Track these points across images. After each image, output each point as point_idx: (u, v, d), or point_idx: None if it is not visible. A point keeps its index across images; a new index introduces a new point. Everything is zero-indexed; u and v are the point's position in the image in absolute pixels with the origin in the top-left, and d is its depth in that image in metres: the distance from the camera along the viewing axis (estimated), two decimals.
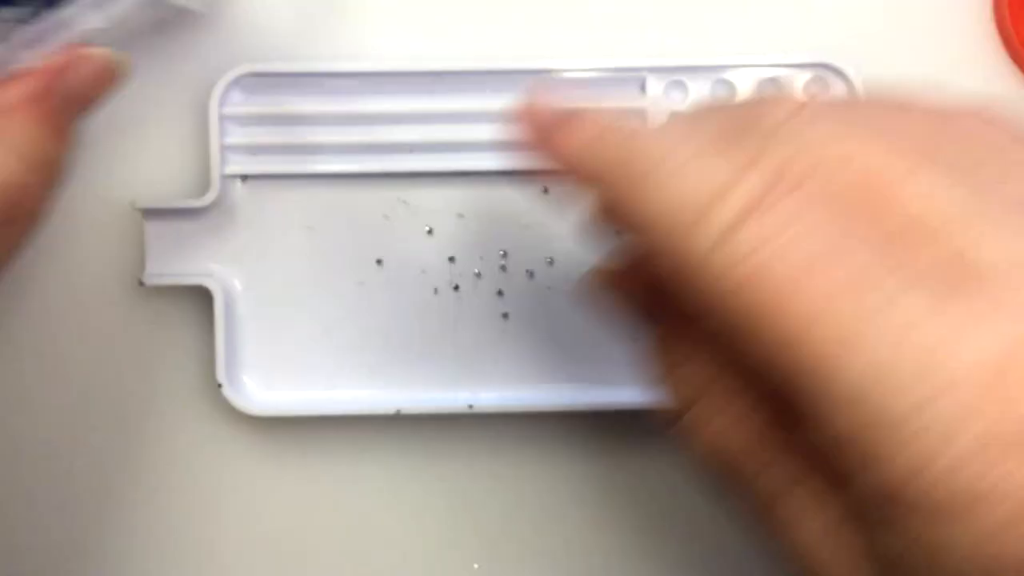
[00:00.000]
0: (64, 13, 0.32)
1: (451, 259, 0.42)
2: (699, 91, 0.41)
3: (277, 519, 0.43)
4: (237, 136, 0.41)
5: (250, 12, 0.42)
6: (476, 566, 0.43)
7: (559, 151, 0.29)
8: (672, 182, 0.25)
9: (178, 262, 0.41)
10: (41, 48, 0.32)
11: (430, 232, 0.42)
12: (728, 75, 0.41)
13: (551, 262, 0.42)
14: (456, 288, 0.42)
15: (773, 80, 0.41)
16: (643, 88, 0.41)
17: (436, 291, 0.42)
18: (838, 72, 0.41)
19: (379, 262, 0.42)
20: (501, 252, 0.42)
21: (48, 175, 0.32)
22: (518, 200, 0.42)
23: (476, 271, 0.42)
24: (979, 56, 0.42)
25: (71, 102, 0.32)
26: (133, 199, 0.41)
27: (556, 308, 0.42)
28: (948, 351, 0.21)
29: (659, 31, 0.42)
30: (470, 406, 0.41)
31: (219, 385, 0.41)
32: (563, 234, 0.42)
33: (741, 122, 0.25)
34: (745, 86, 0.41)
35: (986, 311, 0.21)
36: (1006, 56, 0.42)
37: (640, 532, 0.43)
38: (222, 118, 0.41)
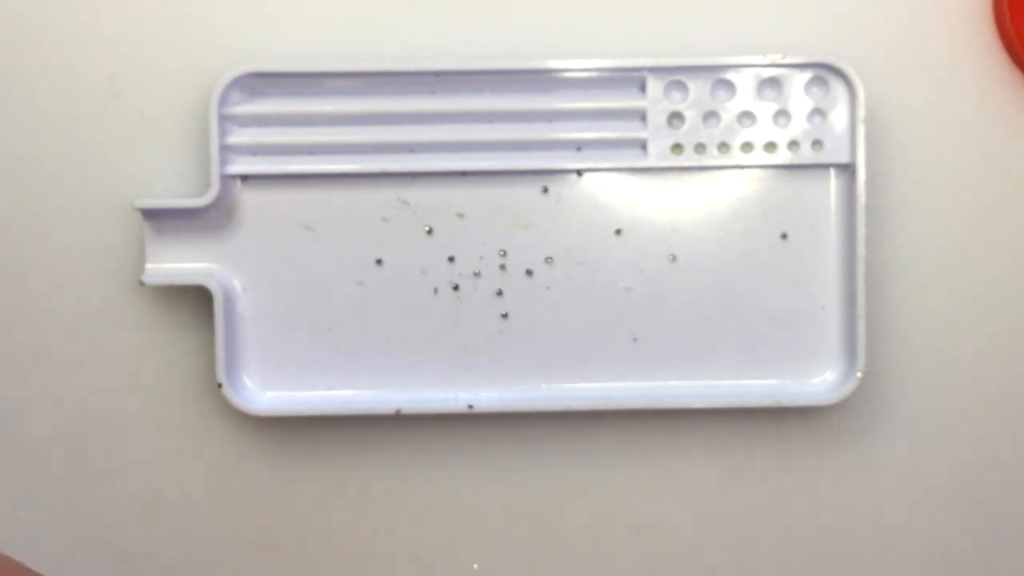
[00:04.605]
0: None
1: (451, 259, 0.42)
2: (699, 91, 0.41)
3: (277, 519, 0.43)
4: (237, 136, 0.41)
5: (250, 12, 0.42)
6: (476, 566, 0.43)
7: None
8: None
9: (178, 262, 0.41)
10: None
11: (430, 232, 0.42)
12: (728, 75, 0.41)
13: (551, 262, 0.42)
14: (456, 288, 0.42)
15: (773, 80, 0.41)
16: (643, 88, 0.41)
17: (436, 291, 0.42)
18: (838, 72, 0.41)
19: (379, 262, 0.42)
20: (501, 252, 0.42)
21: None
22: (518, 200, 0.42)
23: (476, 271, 0.42)
24: (979, 56, 0.42)
25: None
26: (133, 199, 0.41)
27: (556, 308, 0.42)
28: None
29: (659, 31, 0.42)
30: (470, 406, 0.41)
31: (219, 385, 0.41)
32: (563, 234, 0.42)
33: None
34: (745, 86, 0.41)
35: None
36: (1006, 56, 0.42)
37: (640, 531, 0.43)
38: (222, 118, 0.41)
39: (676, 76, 0.41)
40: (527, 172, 0.42)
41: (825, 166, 0.42)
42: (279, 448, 0.43)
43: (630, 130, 0.41)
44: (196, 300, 0.42)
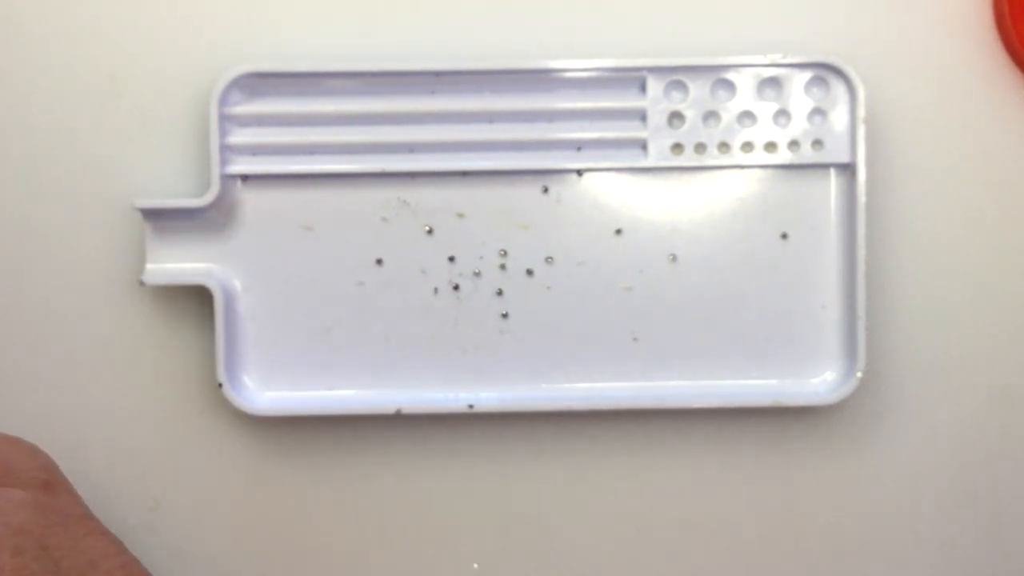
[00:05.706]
0: None
1: (451, 259, 0.42)
2: (699, 91, 0.41)
3: (277, 519, 0.43)
4: (237, 136, 0.41)
5: (250, 12, 0.42)
6: (476, 566, 0.43)
7: None
8: None
9: (178, 262, 0.41)
10: None
11: (430, 232, 0.42)
12: (728, 75, 0.41)
13: (551, 262, 0.42)
14: (456, 288, 0.42)
15: (773, 80, 0.41)
16: (643, 88, 0.41)
17: (436, 291, 0.42)
18: (838, 72, 0.41)
19: (379, 262, 0.42)
20: (501, 252, 0.42)
21: None
22: (518, 200, 0.42)
23: (476, 271, 0.42)
24: (979, 56, 0.42)
25: None
26: (133, 199, 0.41)
27: (556, 308, 0.42)
28: None
29: (659, 31, 0.42)
30: (470, 406, 0.41)
31: (219, 385, 0.41)
32: (563, 234, 0.42)
33: None
34: (745, 86, 0.41)
35: None
36: (1006, 56, 0.42)
37: (639, 531, 0.43)
38: (222, 118, 0.41)
39: (676, 76, 0.41)
40: (527, 172, 0.42)
41: (825, 166, 0.42)
42: (279, 448, 0.43)
43: (630, 130, 0.41)
44: (196, 300, 0.42)
